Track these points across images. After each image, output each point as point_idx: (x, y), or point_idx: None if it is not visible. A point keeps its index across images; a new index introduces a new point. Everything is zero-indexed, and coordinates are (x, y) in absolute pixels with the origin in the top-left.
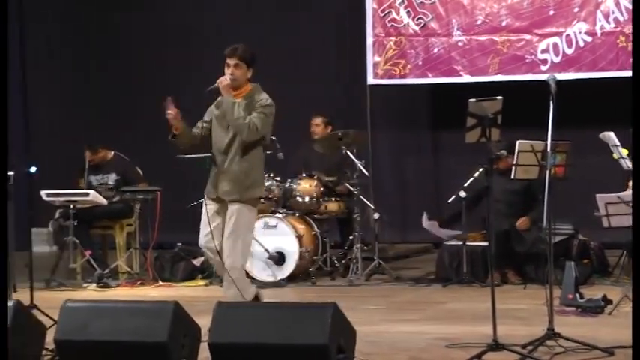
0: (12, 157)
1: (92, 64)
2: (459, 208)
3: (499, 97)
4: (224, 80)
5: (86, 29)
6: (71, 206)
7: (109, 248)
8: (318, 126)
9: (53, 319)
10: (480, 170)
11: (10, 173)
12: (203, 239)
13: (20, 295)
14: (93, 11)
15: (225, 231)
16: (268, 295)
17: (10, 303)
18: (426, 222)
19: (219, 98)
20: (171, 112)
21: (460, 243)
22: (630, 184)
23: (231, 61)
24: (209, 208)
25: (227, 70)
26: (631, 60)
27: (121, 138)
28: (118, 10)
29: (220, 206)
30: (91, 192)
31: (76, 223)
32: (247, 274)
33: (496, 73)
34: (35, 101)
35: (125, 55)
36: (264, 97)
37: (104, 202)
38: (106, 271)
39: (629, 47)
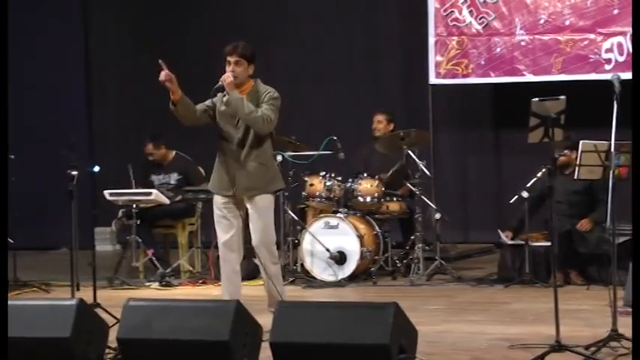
0: (75, 156)
1: (155, 65)
2: (521, 211)
3: (562, 97)
4: (227, 78)
5: (152, 28)
6: (134, 205)
7: (171, 247)
8: (380, 122)
9: (116, 318)
10: (543, 170)
11: (74, 173)
12: (226, 239)
13: (83, 293)
14: (159, 10)
15: (255, 228)
16: (329, 295)
17: (74, 302)
18: (503, 238)
19: (224, 95)
20: (165, 74)
21: (522, 243)
22: None
23: (231, 59)
24: (228, 206)
25: (228, 68)
26: None
27: (183, 138)
28: (184, 10)
29: (234, 202)
30: (154, 191)
31: (138, 223)
32: (308, 274)
33: (559, 73)
34: (99, 101)
35: (190, 56)
36: (269, 90)
37: (166, 201)
38: (168, 270)
39: None
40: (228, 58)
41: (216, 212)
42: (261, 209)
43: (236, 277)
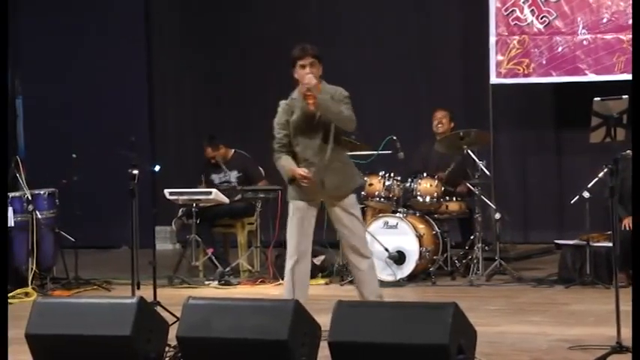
0: (136, 156)
1: (216, 64)
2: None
3: (625, 97)
4: (312, 80)
5: (212, 27)
6: (193, 205)
7: (230, 246)
8: (443, 118)
9: (176, 316)
10: (605, 170)
11: (135, 172)
12: (307, 243)
13: (144, 292)
14: (218, 9)
15: (351, 225)
16: (388, 295)
17: (134, 300)
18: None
19: (293, 101)
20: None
21: (584, 243)
22: None
23: (305, 62)
24: (311, 211)
25: (304, 71)
26: None
27: (241, 137)
28: (241, 10)
29: (315, 206)
30: (213, 190)
31: (198, 222)
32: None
33: (622, 72)
34: (160, 101)
35: (248, 55)
36: (339, 89)
37: (226, 200)
38: (227, 269)
39: None
40: (301, 62)
41: (297, 216)
42: (351, 206)
43: (307, 280)
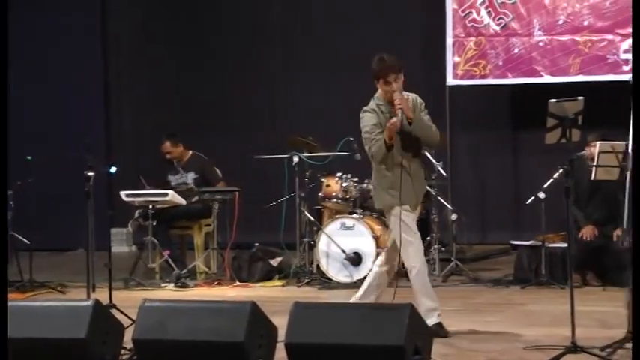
0: (92, 158)
1: (172, 65)
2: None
3: (580, 98)
4: (403, 101)
5: (171, 26)
6: (150, 206)
7: (187, 248)
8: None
9: (131, 319)
10: (560, 171)
11: (91, 174)
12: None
13: (99, 294)
14: (178, 9)
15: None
16: (345, 296)
17: (90, 302)
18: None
19: (380, 106)
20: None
21: (539, 244)
22: None
23: (390, 79)
24: (412, 215)
25: (389, 88)
26: None
27: (199, 138)
28: (202, 9)
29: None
30: (170, 192)
31: (154, 224)
32: (324, 275)
33: (577, 74)
34: (117, 103)
35: (205, 56)
36: (417, 98)
37: (183, 202)
38: (184, 271)
39: None
40: (385, 79)
41: (409, 221)
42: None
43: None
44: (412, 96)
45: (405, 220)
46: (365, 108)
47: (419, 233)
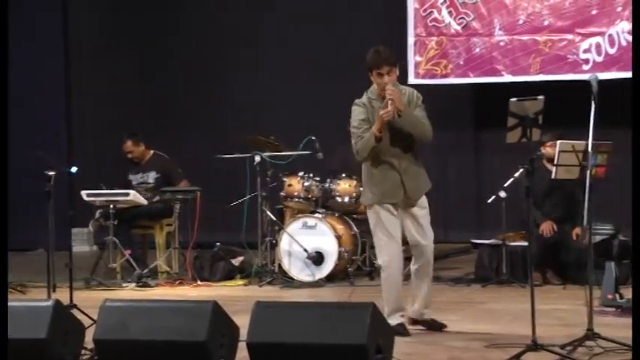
0: (53, 157)
1: (134, 65)
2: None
3: (540, 97)
4: (395, 94)
5: (130, 29)
6: (111, 206)
7: (148, 248)
8: None
9: (92, 319)
10: (521, 170)
11: (51, 173)
12: (400, 244)
13: (60, 294)
14: (139, 8)
15: (424, 229)
16: (307, 295)
17: (50, 302)
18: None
19: (371, 101)
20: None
21: (500, 243)
22: None
23: (383, 71)
24: (395, 214)
25: (381, 80)
26: None
27: (161, 138)
28: (165, 9)
29: (396, 208)
30: (131, 192)
31: (116, 223)
32: (286, 274)
33: (538, 73)
34: (78, 102)
35: (167, 56)
36: (415, 92)
37: (144, 202)
38: (145, 271)
39: None
40: (378, 71)
41: (386, 220)
42: (425, 208)
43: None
44: (409, 90)
45: (382, 219)
46: (356, 101)
47: (398, 233)
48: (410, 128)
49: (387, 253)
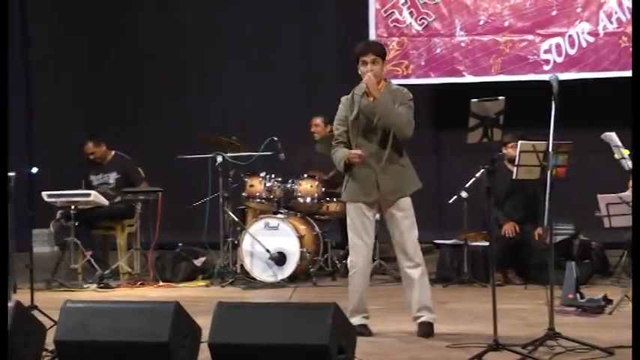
0: (13, 158)
1: (94, 65)
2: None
3: (501, 98)
4: (371, 79)
5: (90, 29)
6: (72, 207)
7: (110, 249)
8: (317, 126)
9: (53, 320)
10: (482, 171)
11: (11, 174)
12: (369, 246)
13: (20, 295)
14: (96, 11)
15: (403, 230)
16: (269, 296)
17: (11, 304)
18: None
19: (356, 98)
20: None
21: (461, 243)
22: (628, 183)
23: (368, 58)
24: (370, 212)
25: (364, 68)
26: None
27: (122, 138)
28: (121, 9)
29: (374, 207)
30: (92, 192)
31: (77, 224)
32: (248, 275)
33: (498, 74)
34: (38, 102)
35: (127, 56)
36: (404, 89)
37: (105, 202)
38: (106, 272)
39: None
40: (363, 58)
41: (357, 219)
42: (407, 210)
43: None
44: (400, 88)
45: (352, 217)
46: (342, 98)
47: (368, 233)
48: (383, 118)
49: (353, 253)
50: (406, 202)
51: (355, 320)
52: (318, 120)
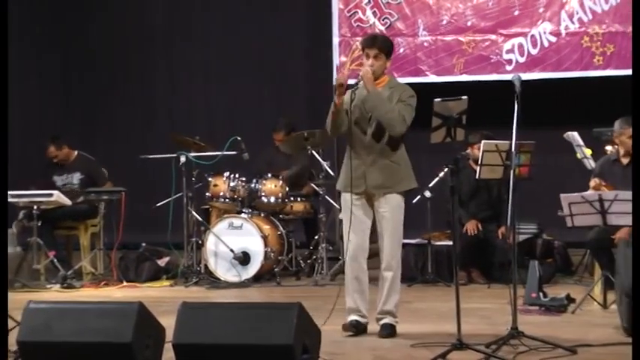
0: None
1: (55, 64)
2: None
3: (464, 97)
4: (367, 73)
5: (52, 30)
6: (35, 207)
7: (73, 249)
8: (280, 140)
9: (16, 321)
10: (445, 170)
11: None
12: (359, 240)
13: None
14: (65, 9)
15: (383, 230)
16: (233, 296)
17: None
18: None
19: (357, 90)
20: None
21: (425, 242)
22: (591, 183)
23: (371, 52)
24: (358, 203)
25: (367, 62)
26: (595, 60)
27: (86, 138)
28: (86, 9)
29: (366, 199)
30: (55, 192)
31: (39, 224)
32: (212, 275)
33: (461, 73)
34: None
35: (93, 56)
36: (406, 87)
37: (68, 202)
38: (70, 272)
39: (594, 48)
40: (367, 51)
41: (346, 209)
42: (393, 208)
43: (365, 277)
44: (402, 86)
45: (342, 207)
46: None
47: (356, 224)
48: (374, 112)
49: (346, 243)
50: (394, 199)
51: (349, 318)
52: (279, 134)
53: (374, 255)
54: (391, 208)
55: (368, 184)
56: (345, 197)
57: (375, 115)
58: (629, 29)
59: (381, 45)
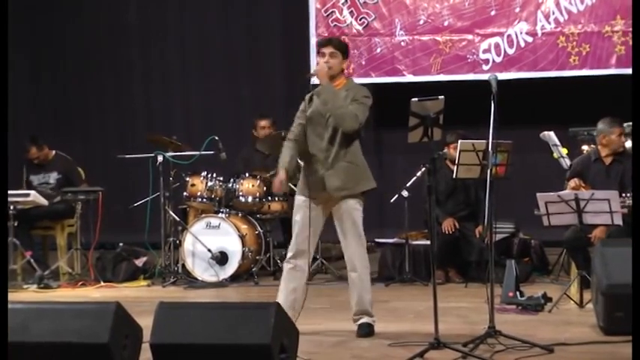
0: None
1: (32, 64)
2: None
3: (441, 97)
4: (322, 69)
5: (27, 29)
6: (11, 207)
7: (49, 249)
8: (263, 128)
9: None
10: (423, 169)
11: None
12: (301, 244)
13: None
14: (39, 9)
15: (345, 231)
16: (211, 296)
17: None
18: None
19: (314, 92)
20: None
21: (403, 242)
22: (570, 183)
23: (326, 50)
24: (309, 206)
25: (322, 60)
26: (571, 59)
27: (62, 138)
28: (62, 10)
29: (317, 203)
30: (32, 192)
31: (16, 224)
32: (190, 275)
33: (438, 73)
34: None
35: (67, 55)
36: (363, 88)
37: (45, 202)
38: (46, 272)
39: (569, 47)
40: (323, 50)
41: (297, 212)
42: (351, 210)
43: (303, 279)
44: (358, 86)
45: (296, 207)
46: (307, 95)
47: (306, 228)
48: (326, 104)
49: (290, 248)
50: (353, 201)
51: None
52: (264, 122)
53: (342, 257)
54: (351, 210)
55: (328, 188)
56: (298, 199)
57: (326, 109)
58: (605, 29)
59: (336, 44)
